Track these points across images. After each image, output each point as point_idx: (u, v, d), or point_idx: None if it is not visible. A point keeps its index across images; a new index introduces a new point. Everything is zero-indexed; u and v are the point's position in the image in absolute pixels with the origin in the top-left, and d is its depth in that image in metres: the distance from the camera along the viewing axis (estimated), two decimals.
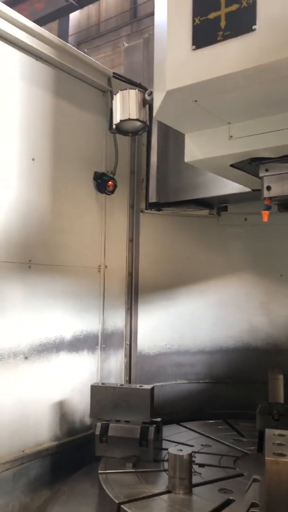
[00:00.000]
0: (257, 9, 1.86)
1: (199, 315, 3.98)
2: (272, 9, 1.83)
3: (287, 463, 1.65)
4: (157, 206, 3.88)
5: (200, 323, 3.97)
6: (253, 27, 1.87)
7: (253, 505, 1.72)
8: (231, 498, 2.20)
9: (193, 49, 2.03)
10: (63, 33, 15.55)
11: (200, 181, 3.60)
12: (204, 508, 2.11)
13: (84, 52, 3.36)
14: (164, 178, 3.84)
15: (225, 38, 1.94)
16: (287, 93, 2.05)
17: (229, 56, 1.92)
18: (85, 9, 14.91)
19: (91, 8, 15.44)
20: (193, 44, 2.03)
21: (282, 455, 1.69)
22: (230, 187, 3.32)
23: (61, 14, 14.50)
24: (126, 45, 4.28)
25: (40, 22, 13.16)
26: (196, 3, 2.03)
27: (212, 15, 1.99)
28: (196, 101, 2.17)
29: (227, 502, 2.17)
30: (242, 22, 1.90)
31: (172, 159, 3.81)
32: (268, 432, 1.96)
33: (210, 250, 4.07)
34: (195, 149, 2.62)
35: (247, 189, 3.17)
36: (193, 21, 2.04)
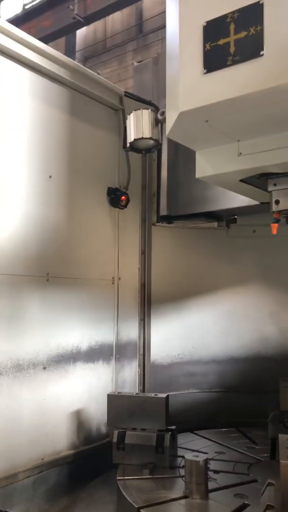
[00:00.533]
0: (264, 36, 1.98)
1: (210, 325, 4.06)
2: (279, 36, 1.95)
3: None
4: (168, 219, 3.99)
5: (212, 333, 4.05)
6: (261, 53, 1.98)
7: (268, 507, 1.80)
8: (246, 502, 2.27)
9: (205, 73, 2.15)
10: (70, 49, 15.85)
11: (209, 195, 3.70)
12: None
13: (92, 68, 3.51)
14: (174, 192, 3.96)
15: (235, 62, 2.06)
16: None
17: (238, 79, 2.04)
18: (92, 25, 15.18)
19: (97, 24, 15.71)
20: (205, 68, 2.15)
21: None
22: (239, 200, 3.42)
23: (68, 31, 14.84)
24: (136, 64, 4.43)
25: (47, 38, 13.49)
26: (207, 30, 2.15)
27: (222, 41, 2.11)
28: (207, 121, 2.29)
29: (243, 506, 2.24)
30: (250, 48, 2.02)
31: (182, 173, 3.93)
32: (282, 437, 2.04)
33: (220, 261, 4.16)
34: (205, 165, 2.73)
35: (256, 202, 3.27)
36: (204, 46, 2.16)
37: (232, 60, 2.06)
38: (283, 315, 4.00)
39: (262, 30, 1.99)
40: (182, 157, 3.90)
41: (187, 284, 4.05)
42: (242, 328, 4.06)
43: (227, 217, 4.17)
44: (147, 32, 14.88)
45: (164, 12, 2.68)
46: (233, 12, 2.07)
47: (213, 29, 2.13)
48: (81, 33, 16.26)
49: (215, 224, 4.22)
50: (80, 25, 14.39)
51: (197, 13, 2.20)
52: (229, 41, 2.08)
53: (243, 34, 2.05)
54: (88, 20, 14.16)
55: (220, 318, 4.09)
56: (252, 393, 3.89)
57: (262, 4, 1.99)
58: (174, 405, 3.69)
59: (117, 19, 15.92)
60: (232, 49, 2.08)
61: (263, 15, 1.98)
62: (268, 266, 4.09)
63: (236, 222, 4.14)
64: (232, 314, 4.10)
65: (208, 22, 2.15)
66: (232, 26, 2.08)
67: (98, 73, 3.38)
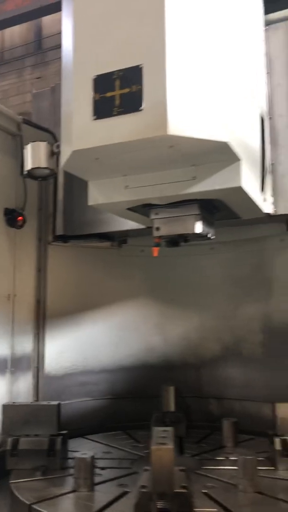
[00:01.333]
0: (143, 94, 2.38)
1: (102, 337, 4.39)
2: (154, 95, 2.36)
3: (167, 449, 2.12)
4: (63, 238, 4.26)
5: (103, 345, 4.38)
6: (140, 108, 2.38)
7: (142, 487, 2.15)
8: (127, 490, 2.61)
9: (94, 119, 2.49)
10: None
11: (102, 217, 4.04)
12: (104, 500, 2.49)
13: None
14: (70, 213, 4.23)
15: (119, 113, 2.43)
16: (169, 157, 2.60)
17: (122, 128, 2.41)
18: None
19: None
20: (94, 114, 2.50)
21: (163, 444, 2.15)
22: (129, 223, 3.79)
23: None
24: (34, 91, 4.68)
25: None
26: (96, 83, 2.50)
27: (108, 94, 2.47)
28: (97, 158, 2.64)
29: (124, 493, 2.57)
30: (132, 102, 2.40)
31: (77, 196, 4.22)
32: (156, 429, 2.43)
33: (112, 278, 4.52)
34: (97, 194, 3.08)
35: (143, 226, 3.68)
36: (94, 96, 2.51)
37: (117, 111, 2.43)
38: (167, 326, 4.46)
39: (141, 89, 2.39)
40: (77, 181, 4.18)
41: (82, 300, 4.35)
42: (131, 339, 4.44)
43: (118, 238, 4.56)
44: (46, 49, 15.05)
45: None
46: (118, 71, 2.46)
47: (102, 83, 2.49)
48: None
49: (108, 244, 4.59)
50: None
51: (88, 66, 2.55)
52: (115, 95, 2.46)
53: (126, 90, 2.43)
54: None
55: (112, 330, 4.44)
56: (139, 398, 4.27)
57: (141, 68, 2.40)
58: (67, 413, 3.94)
59: (16, 33, 15.83)
60: (117, 101, 2.45)
61: (142, 77, 2.39)
62: (154, 282, 4.53)
63: (127, 243, 4.56)
64: (123, 326, 4.47)
65: (97, 76, 2.51)
66: (117, 82, 2.46)
67: None
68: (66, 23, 2.77)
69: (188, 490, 2.15)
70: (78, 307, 4.31)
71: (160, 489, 2.09)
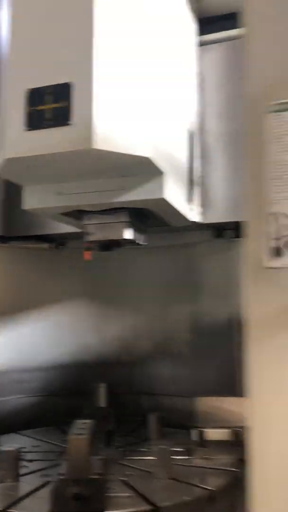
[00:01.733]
0: (71, 110, 2.55)
1: (39, 336, 4.51)
2: (81, 111, 2.53)
3: (83, 438, 2.31)
4: (2, 239, 4.34)
5: (40, 344, 4.51)
6: (68, 122, 2.55)
7: (60, 474, 2.33)
8: (49, 480, 2.77)
9: (26, 130, 2.64)
10: None
11: (42, 220, 4.14)
12: (27, 489, 2.64)
13: None
14: (9, 214, 4.32)
15: (49, 126, 2.58)
16: (98, 168, 2.78)
17: (51, 140, 2.57)
18: None
19: None
20: (26, 125, 2.65)
21: (81, 434, 2.34)
22: (66, 227, 3.95)
23: None
24: None
25: None
26: (29, 96, 2.65)
27: (39, 107, 2.63)
28: (29, 167, 2.79)
29: (46, 483, 2.73)
30: (61, 117, 2.56)
31: (17, 198, 4.29)
32: (77, 422, 2.61)
33: (51, 279, 4.65)
34: (31, 199, 3.21)
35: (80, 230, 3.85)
36: (26, 108, 2.66)
37: (47, 124, 2.59)
38: (102, 326, 4.65)
39: (69, 105, 2.56)
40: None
41: (20, 300, 4.46)
42: (67, 338, 4.60)
43: (58, 240, 4.69)
44: None
45: None
46: (48, 86, 2.62)
47: (33, 96, 2.63)
48: None
49: (47, 245, 4.71)
50: None
51: (21, 79, 2.69)
52: (45, 109, 2.62)
53: (56, 105, 2.60)
54: None
55: (49, 330, 4.57)
56: (73, 395, 4.43)
57: (70, 85, 2.57)
58: (2, 410, 4.06)
59: None
60: (47, 115, 2.60)
61: (70, 93, 2.56)
62: (93, 283, 4.70)
63: (66, 245, 4.70)
64: (60, 326, 4.62)
65: (29, 89, 2.66)
66: (48, 97, 2.62)
67: None
68: (4, 29, 2.89)
69: (102, 476, 2.34)
70: (15, 307, 4.42)
71: (76, 475, 2.27)
